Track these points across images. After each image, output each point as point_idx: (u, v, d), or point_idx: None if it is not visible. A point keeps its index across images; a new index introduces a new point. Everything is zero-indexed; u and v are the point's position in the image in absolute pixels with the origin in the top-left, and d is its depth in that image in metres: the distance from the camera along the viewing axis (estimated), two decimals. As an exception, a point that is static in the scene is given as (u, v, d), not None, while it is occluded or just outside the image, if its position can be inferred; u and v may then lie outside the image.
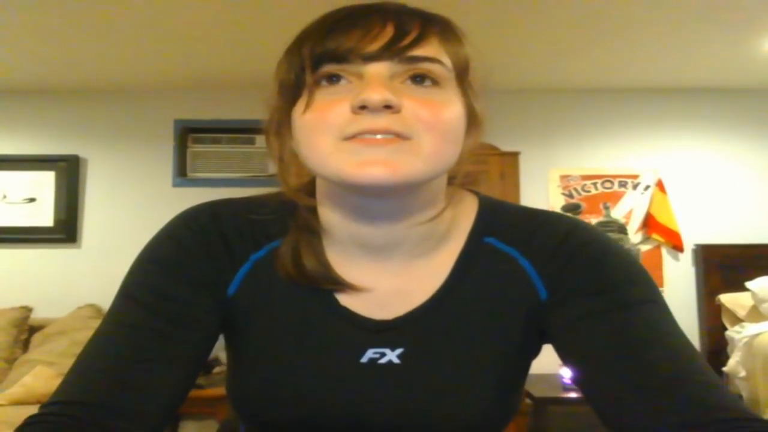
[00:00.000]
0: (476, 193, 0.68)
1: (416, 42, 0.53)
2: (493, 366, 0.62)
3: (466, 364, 0.61)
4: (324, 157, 0.54)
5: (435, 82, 0.54)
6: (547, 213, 0.66)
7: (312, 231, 0.63)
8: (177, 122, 3.55)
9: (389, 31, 0.53)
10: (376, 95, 0.51)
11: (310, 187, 0.65)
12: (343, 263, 0.63)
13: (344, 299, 0.62)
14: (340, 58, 0.53)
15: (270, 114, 0.60)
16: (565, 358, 0.59)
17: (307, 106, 0.54)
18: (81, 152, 3.56)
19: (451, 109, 0.55)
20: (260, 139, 3.53)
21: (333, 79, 0.54)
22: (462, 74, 0.56)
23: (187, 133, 3.53)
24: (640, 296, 0.57)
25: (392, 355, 0.61)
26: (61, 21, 2.67)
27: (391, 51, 0.52)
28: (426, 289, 0.62)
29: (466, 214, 0.65)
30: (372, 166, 0.52)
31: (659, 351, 0.53)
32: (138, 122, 3.58)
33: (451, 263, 0.63)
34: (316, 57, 0.53)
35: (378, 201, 0.58)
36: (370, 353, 0.61)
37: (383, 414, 0.61)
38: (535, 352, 0.66)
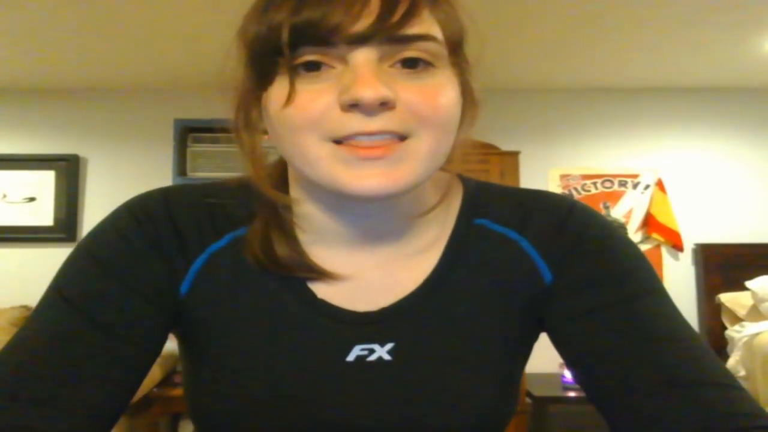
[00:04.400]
0: (458, 175, 0.62)
1: (407, 17, 0.45)
2: (494, 357, 0.57)
3: (464, 356, 0.56)
4: (313, 161, 0.48)
5: (428, 63, 0.47)
6: (537, 191, 0.61)
7: (283, 215, 0.56)
8: (177, 122, 3.55)
9: (375, 4, 0.45)
10: (369, 92, 0.44)
11: (279, 169, 0.59)
12: (318, 250, 0.56)
13: (322, 291, 0.56)
14: (321, 40, 0.45)
15: (237, 97, 0.52)
16: (567, 353, 0.55)
17: (288, 99, 0.46)
18: (81, 152, 3.55)
19: (448, 93, 0.49)
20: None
21: (312, 66, 0.46)
22: (456, 48, 0.49)
23: (187, 132, 3.53)
24: (647, 285, 0.55)
25: (382, 351, 0.55)
26: (61, 21, 2.67)
27: (379, 31, 0.45)
28: (414, 277, 0.57)
29: (451, 197, 0.59)
30: (371, 178, 0.46)
31: (673, 348, 0.50)
32: (138, 122, 3.58)
33: (440, 248, 0.58)
34: (292, 37, 0.45)
35: (368, 203, 0.53)
36: (357, 350, 0.55)
37: (375, 417, 0.55)
38: (534, 340, 0.62)
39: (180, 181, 3.51)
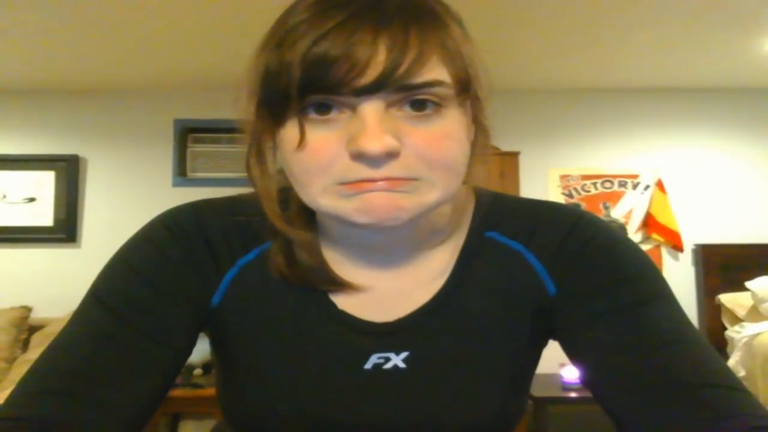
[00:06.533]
0: (473, 187, 0.64)
1: (415, 66, 0.46)
2: (503, 365, 0.60)
3: (476, 364, 0.59)
4: (317, 197, 0.50)
5: (436, 105, 0.48)
6: (549, 204, 0.63)
7: (306, 229, 0.59)
8: (177, 122, 3.55)
9: (382, 53, 0.45)
10: (375, 146, 0.45)
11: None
12: (339, 262, 0.59)
13: (342, 302, 0.59)
14: (329, 90, 0.46)
15: (249, 135, 0.53)
16: (575, 358, 0.57)
17: (300, 142, 0.48)
18: (81, 152, 3.56)
19: (456, 136, 0.50)
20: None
21: (322, 108, 0.48)
22: (465, 88, 0.50)
23: (187, 133, 3.53)
24: (652, 292, 0.55)
25: (397, 360, 0.58)
26: (61, 21, 2.67)
27: (387, 83, 0.45)
28: (428, 288, 0.59)
29: (463, 208, 0.62)
30: (374, 210, 0.48)
31: (678, 351, 0.51)
32: (138, 122, 3.58)
33: (452, 260, 0.60)
34: (301, 86, 0.46)
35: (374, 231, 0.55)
36: (373, 359, 0.58)
37: (391, 422, 0.58)
38: (543, 346, 0.64)
39: (180, 181, 3.51)
